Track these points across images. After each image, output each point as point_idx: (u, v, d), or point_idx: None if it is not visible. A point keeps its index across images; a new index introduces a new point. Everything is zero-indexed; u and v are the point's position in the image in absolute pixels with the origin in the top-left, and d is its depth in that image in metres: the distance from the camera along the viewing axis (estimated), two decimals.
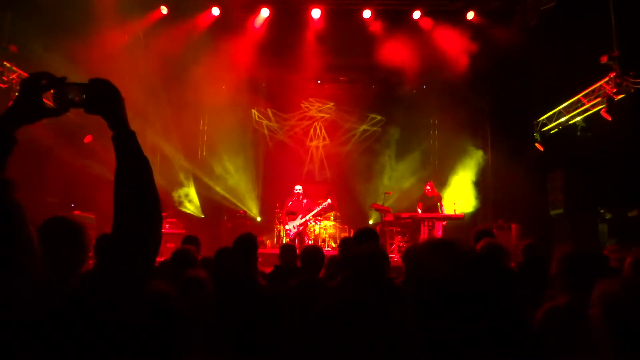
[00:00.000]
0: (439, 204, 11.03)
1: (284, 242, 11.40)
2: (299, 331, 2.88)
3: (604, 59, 8.36)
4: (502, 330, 2.22)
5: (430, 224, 10.56)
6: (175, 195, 13.11)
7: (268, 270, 5.23)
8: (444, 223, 10.67)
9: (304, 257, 3.77)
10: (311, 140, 15.06)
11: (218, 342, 2.77)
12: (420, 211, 10.94)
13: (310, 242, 10.99)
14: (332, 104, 14.92)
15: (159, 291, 1.58)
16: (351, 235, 11.76)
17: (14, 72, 8.97)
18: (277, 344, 2.92)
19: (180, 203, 13.18)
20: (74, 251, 2.20)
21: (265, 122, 14.91)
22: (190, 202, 13.54)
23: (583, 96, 9.57)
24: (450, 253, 2.00)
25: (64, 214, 2.45)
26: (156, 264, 5.00)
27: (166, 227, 11.60)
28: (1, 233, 1.15)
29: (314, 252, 3.80)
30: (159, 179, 12.67)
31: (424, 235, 10.47)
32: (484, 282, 2.25)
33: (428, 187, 11.14)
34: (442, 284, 1.92)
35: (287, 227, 10.46)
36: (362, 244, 3.42)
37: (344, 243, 4.52)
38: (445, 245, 2.08)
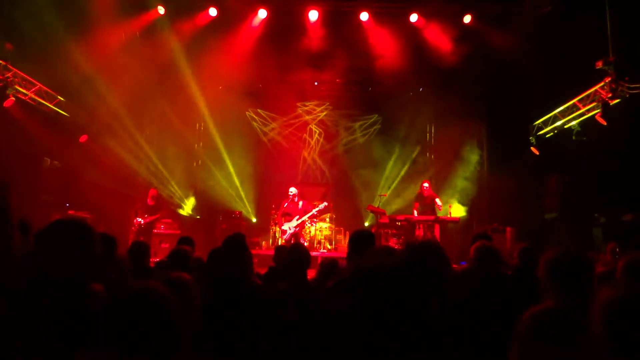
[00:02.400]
0: (435, 203, 10.96)
1: (279, 243, 11.39)
2: (289, 332, 2.88)
3: (599, 64, 8.40)
4: (499, 333, 2.23)
5: (427, 226, 10.54)
6: (170, 195, 13.09)
7: (263, 271, 5.24)
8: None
9: (291, 256, 3.67)
10: (307, 142, 15.07)
11: (209, 342, 2.77)
12: (416, 212, 10.92)
13: (305, 244, 10.98)
14: (328, 105, 14.92)
15: (153, 290, 1.59)
16: (347, 238, 11.79)
17: (10, 70, 8.93)
18: (267, 344, 2.92)
19: (176, 203, 13.17)
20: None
21: (261, 123, 14.90)
22: (186, 202, 13.52)
23: (578, 101, 9.60)
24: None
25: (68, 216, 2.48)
26: (152, 265, 5.00)
27: (161, 228, 11.59)
28: None
29: (298, 251, 3.70)
30: (153, 180, 12.68)
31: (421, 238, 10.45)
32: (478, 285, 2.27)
33: (425, 185, 11.05)
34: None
35: (282, 228, 10.46)
36: (361, 250, 3.38)
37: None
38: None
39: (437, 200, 10.85)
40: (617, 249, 5.47)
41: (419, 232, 10.58)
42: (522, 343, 2.18)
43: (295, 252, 3.56)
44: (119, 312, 1.53)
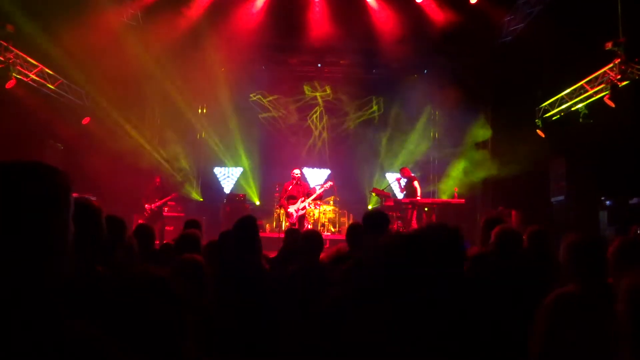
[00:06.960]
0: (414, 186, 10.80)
1: (283, 225, 11.39)
2: (301, 315, 2.87)
3: (609, 45, 8.23)
4: (512, 316, 2.21)
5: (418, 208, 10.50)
6: (174, 177, 13.07)
7: (269, 254, 5.22)
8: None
9: (303, 241, 3.75)
10: (311, 124, 14.98)
11: (221, 326, 2.75)
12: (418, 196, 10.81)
13: (309, 226, 10.97)
14: (332, 88, 14.80)
15: (153, 274, 1.56)
16: (351, 220, 11.76)
17: (11, 51, 8.84)
18: (281, 327, 2.91)
19: (180, 186, 13.14)
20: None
21: (264, 105, 14.79)
22: (190, 185, 13.50)
23: (586, 82, 9.47)
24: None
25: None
26: (157, 247, 4.99)
27: (165, 210, 11.59)
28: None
29: (314, 236, 3.78)
30: (157, 161, 12.64)
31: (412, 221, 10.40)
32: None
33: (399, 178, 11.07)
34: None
35: (289, 211, 10.41)
36: (373, 233, 3.39)
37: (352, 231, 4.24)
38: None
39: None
40: (639, 232, 5.43)
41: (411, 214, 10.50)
42: (546, 327, 2.17)
43: (310, 237, 3.63)
44: (122, 297, 1.50)
